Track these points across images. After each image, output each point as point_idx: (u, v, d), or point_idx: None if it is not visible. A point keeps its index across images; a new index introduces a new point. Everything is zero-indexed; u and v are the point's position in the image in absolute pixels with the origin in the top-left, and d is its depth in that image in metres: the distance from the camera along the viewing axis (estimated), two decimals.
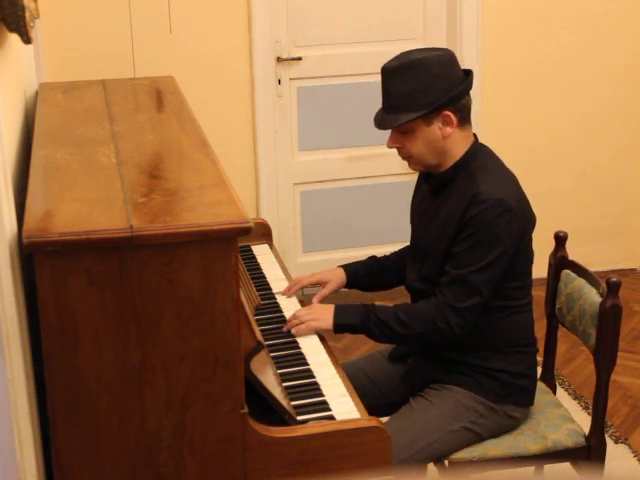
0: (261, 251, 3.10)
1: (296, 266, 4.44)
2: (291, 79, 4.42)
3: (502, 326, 2.59)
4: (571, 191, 4.76)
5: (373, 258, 2.87)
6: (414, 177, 2.85)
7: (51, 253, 1.84)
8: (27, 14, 2.08)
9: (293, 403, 2.22)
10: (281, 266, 3.00)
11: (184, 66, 4.14)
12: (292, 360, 2.44)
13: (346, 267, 2.83)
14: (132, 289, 1.89)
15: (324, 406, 2.23)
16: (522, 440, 2.60)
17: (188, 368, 1.95)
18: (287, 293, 2.79)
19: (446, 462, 2.59)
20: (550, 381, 2.88)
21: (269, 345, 2.46)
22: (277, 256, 3.08)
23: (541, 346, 2.82)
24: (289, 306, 2.72)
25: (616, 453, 3.36)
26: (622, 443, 3.44)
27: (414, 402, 2.61)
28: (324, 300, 2.74)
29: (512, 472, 2.60)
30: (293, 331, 2.55)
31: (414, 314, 2.52)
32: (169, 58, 4.15)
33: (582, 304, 2.66)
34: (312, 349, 2.50)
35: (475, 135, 2.62)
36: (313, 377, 2.36)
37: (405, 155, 2.59)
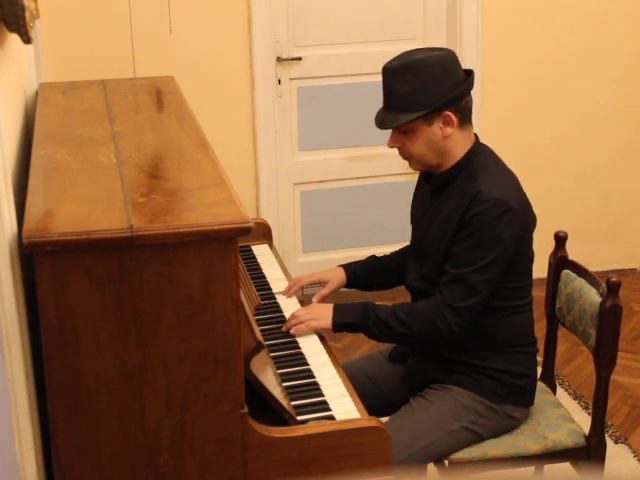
0: (261, 251, 3.10)
1: (296, 266, 4.44)
2: (291, 79, 4.42)
3: (502, 326, 2.59)
4: (571, 191, 4.76)
5: (373, 258, 2.87)
6: (414, 177, 2.85)
7: (51, 253, 1.84)
8: (27, 14, 2.08)
9: (293, 403, 2.22)
10: (281, 266, 3.00)
11: (184, 66, 4.14)
12: (292, 360, 2.44)
13: (346, 267, 2.83)
14: (132, 289, 1.89)
15: (324, 406, 2.23)
16: (522, 440, 2.60)
17: (188, 368, 1.95)
18: (287, 293, 2.79)
19: (446, 462, 2.59)
20: (550, 381, 2.88)
21: (269, 345, 2.46)
22: (277, 256, 3.08)
23: (541, 346, 2.82)
24: (289, 306, 2.72)
25: (616, 453, 3.36)
26: (622, 443, 3.44)
27: (414, 402, 2.61)
28: (324, 300, 2.74)
29: (512, 472, 2.60)
30: (292, 331, 2.55)
31: (413, 313, 2.52)
32: (169, 58, 4.15)
33: (582, 304, 2.66)
34: (312, 349, 2.50)
35: (476, 135, 2.62)
36: (313, 377, 2.36)
37: (406, 155, 2.59)
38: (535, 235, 2.61)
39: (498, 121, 4.57)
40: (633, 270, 4.88)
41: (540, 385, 2.79)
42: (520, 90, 4.59)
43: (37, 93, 3.07)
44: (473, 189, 2.48)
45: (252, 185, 4.42)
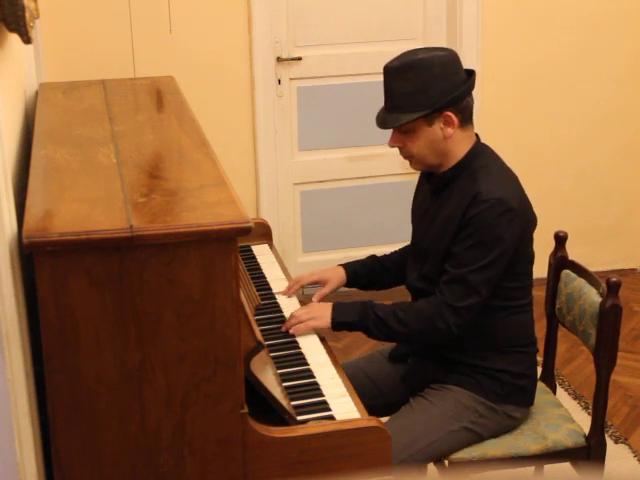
0: (261, 251, 3.10)
1: (296, 266, 4.44)
2: (291, 79, 4.42)
3: (502, 326, 2.59)
4: (571, 191, 4.76)
5: (373, 257, 2.87)
6: (414, 177, 2.85)
7: (51, 253, 1.84)
8: (27, 14, 2.08)
9: (293, 403, 2.22)
10: (281, 266, 3.00)
11: (184, 66, 4.14)
12: (292, 360, 2.44)
13: (346, 266, 2.83)
14: (132, 289, 1.89)
15: (324, 406, 2.23)
16: (522, 440, 2.60)
17: (188, 368, 1.95)
18: (287, 293, 2.79)
19: (446, 462, 2.59)
20: (550, 381, 2.88)
21: (269, 345, 2.46)
22: (277, 256, 3.08)
23: (541, 346, 2.82)
24: (289, 306, 2.71)
25: (616, 453, 3.36)
26: (622, 443, 3.44)
27: (414, 402, 2.61)
28: (324, 299, 2.74)
29: (512, 472, 2.60)
30: (292, 331, 2.54)
31: (412, 312, 2.52)
32: (169, 58, 4.15)
33: (582, 304, 2.66)
34: (312, 349, 2.50)
35: (477, 135, 2.62)
36: (313, 377, 2.36)
37: (406, 155, 2.59)
38: (535, 235, 2.61)
39: (498, 121, 4.56)
40: (633, 270, 4.88)
41: (540, 385, 2.79)
42: (520, 90, 4.59)
43: (37, 93, 3.07)
44: (473, 189, 2.48)
45: (252, 185, 4.42)
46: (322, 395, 2.28)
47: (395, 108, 2.52)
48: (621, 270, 4.75)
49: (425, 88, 2.48)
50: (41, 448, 2.02)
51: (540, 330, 2.94)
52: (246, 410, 2.01)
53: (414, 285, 2.68)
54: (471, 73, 2.57)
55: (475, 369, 2.59)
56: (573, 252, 2.90)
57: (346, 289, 2.88)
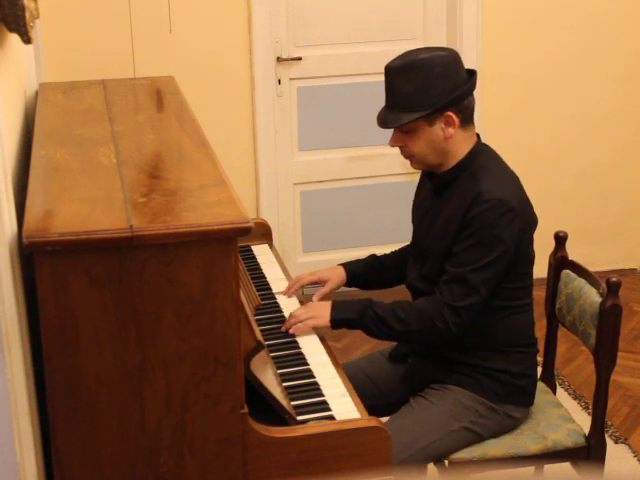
0: (261, 251, 3.10)
1: (296, 266, 4.44)
2: (291, 79, 4.42)
3: (502, 326, 2.59)
4: (571, 191, 4.76)
5: (373, 256, 2.87)
6: (414, 177, 2.85)
7: (51, 253, 1.84)
8: (27, 14, 2.08)
9: (293, 403, 2.22)
10: (281, 266, 3.00)
11: (184, 66, 4.14)
12: (292, 360, 2.44)
13: (346, 265, 2.83)
14: (132, 289, 1.89)
15: (324, 406, 2.23)
16: (522, 440, 2.60)
17: (188, 368, 1.95)
18: (288, 292, 2.79)
19: (446, 462, 2.59)
20: (550, 381, 2.88)
21: (269, 345, 2.46)
22: (277, 256, 3.08)
23: (541, 346, 2.81)
24: (289, 306, 2.71)
25: (616, 453, 3.36)
26: (622, 443, 3.44)
27: (414, 402, 2.61)
28: (324, 298, 2.74)
29: (512, 472, 2.60)
30: (291, 330, 2.54)
31: (412, 311, 2.52)
32: (169, 58, 4.15)
33: (582, 304, 2.66)
34: (312, 349, 2.50)
35: (478, 135, 2.62)
36: (313, 377, 2.36)
37: (407, 154, 2.59)
38: (535, 235, 2.61)
39: (498, 121, 4.56)
40: (633, 270, 4.88)
41: (540, 385, 2.79)
42: (520, 90, 4.59)
43: (37, 93, 3.07)
44: (474, 189, 2.48)
45: (252, 185, 4.42)
46: (322, 395, 2.28)
47: (396, 108, 2.52)
48: (621, 270, 4.75)
49: (426, 88, 2.48)
50: (41, 448, 2.02)
51: (540, 330, 2.93)
52: (246, 410, 2.01)
53: (414, 285, 2.68)
54: (472, 73, 2.57)
55: (475, 369, 2.59)
56: (573, 252, 2.90)
57: (346, 288, 2.88)
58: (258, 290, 2.80)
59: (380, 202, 4.63)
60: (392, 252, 2.89)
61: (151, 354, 1.93)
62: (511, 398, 2.61)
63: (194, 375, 1.95)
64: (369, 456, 2.10)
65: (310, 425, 2.12)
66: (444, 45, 4.37)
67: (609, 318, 2.55)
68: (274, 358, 2.42)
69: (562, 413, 2.71)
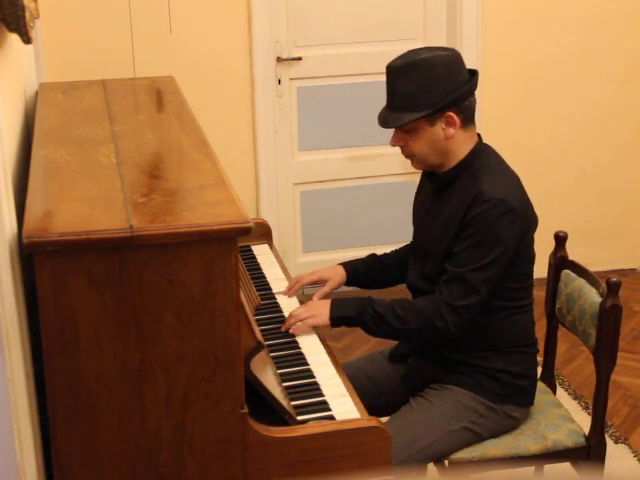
0: (261, 251, 3.10)
1: (296, 266, 4.44)
2: (291, 79, 4.42)
3: (503, 326, 2.59)
4: (571, 191, 4.76)
5: (373, 256, 2.87)
6: (414, 177, 2.85)
7: (51, 253, 1.84)
8: (27, 14, 2.08)
9: (293, 403, 2.22)
10: (281, 266, 3.00)
11: (184, 66, 4.14)
12: (292, 360, 2.44)
13: (346, 265, 2.83)
14: (132, 289, 1.89)
15: (324, 406, 2.23)
16: (522, 440, 2.60)
17: (188, 368, 1.95)
18: (287, 292, 2.79)
19: (446, 462, 2.59)
20: (550, 381, 2.88)
21: (269, 345, 2.46)
22: (277, 256, 3.08)
23: (541, 346, 2.81)
24: (289, 306, 2.71)
25: (616, 453, 3.36)
26: (622, 443, 3.44)
27: (414, 402, 2.61)
28: (324, 298, 2.74)
29: (512, 472, 2.60)
30: (291, 330, 2.54)
31: (411, 309, 2.52)
32: (169, 58, 4.15)
33: (582, 304, 2.66)
34: (312, 349, 2.50)
35: (479, 135, 2.62)
36: (313, 377, 2.36)
37: (408, 154, 2.59)
38: (535, 235, 2.61)
39: (498, 121, 4.56)
40: (633, 270, 4.88)
41: (540, 385, 2.79)
42: (520, 90, 4.59)
43: (37, 93, 3.07)
44: (475, 189, 2.48)
45: (252, 185, 4.42)
46: (322, 395, 2.28)
47: (397, 107, 2.52)
48: (621, 270, 4.75)
49: (427, 88, 2.48)
50: (41, 448, 2.02)
51: (540, 330, 2.93)
52: (246, 410, 2.01)
53: (415, 285, 2.68)
54: (474, 73, 2.57)
55: (475, 369, 2.59)
56: (573, 252, 2.90)
57: (346, 288, 2.88)
58: (258, 290, 2.80)
59: (380, 202, 4.63)
60: (392, 251, 2.89)
61: (151, 354, 1.93)
62: (511, 398, 2.61)
63: (194, 375, 1.95)
64: (369, 456, 2.10)
65: (310, 425, 2.12)
66: (444, 45, 4.37)
67: (609, 318, 2.55)
68: (274, 358, 2.42)
69: (562, 413, 2.71)
